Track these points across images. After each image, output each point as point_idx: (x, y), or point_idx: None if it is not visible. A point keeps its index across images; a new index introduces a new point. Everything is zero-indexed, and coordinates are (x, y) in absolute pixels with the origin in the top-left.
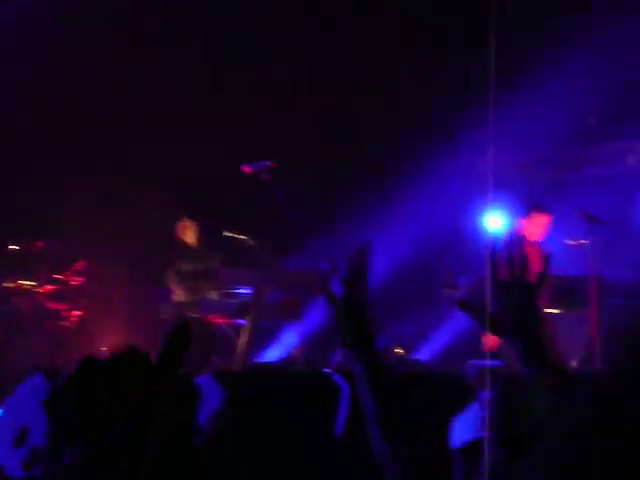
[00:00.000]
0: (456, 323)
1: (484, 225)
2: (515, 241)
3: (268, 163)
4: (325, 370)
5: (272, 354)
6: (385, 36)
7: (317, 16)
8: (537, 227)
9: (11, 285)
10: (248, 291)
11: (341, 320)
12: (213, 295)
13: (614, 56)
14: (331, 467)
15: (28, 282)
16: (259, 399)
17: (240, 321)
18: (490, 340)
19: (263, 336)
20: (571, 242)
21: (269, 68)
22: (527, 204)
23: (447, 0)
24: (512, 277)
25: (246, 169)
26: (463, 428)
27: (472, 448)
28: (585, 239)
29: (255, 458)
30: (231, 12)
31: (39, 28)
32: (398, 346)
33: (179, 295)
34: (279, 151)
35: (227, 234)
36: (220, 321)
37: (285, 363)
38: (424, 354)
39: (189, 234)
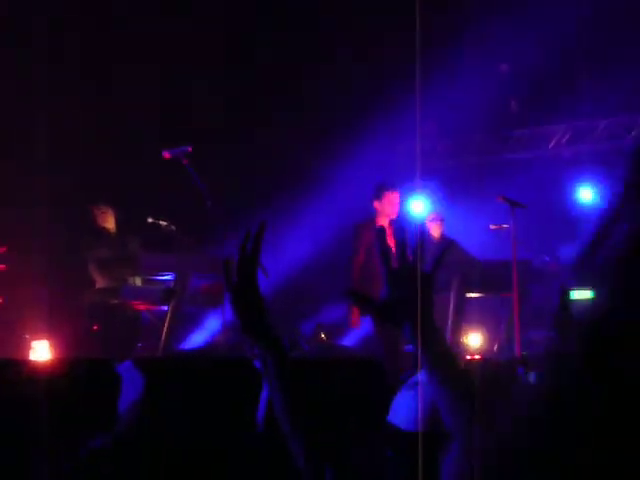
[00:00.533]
0: None
1: (409, 211)
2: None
3: (188, 148)
4: (248, 356)
5: (195, 340)
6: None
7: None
8: (391, 206)
9: None
10: (171, 277)
11: (234, 306)
12: (136, 281)
13: (537, 41)
14: (251, 454)
15: None
16: (181, 385)
17: (163, 307)
18: (355, 317)
19: (186, 322)
20: (493, 227)
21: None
22: (376, 186)
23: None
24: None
25: (165, 155)
26: (401, 414)
27: (406, 438)
28: (506, 224)
29: (176, 444)
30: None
31: None
32: (324, 332)
33: (100, 282)
34: (200, 136)
35: (150, 220)
36: (143, 308)
37: (208, 349)
38: (350, 340)
39: (107, 220)
